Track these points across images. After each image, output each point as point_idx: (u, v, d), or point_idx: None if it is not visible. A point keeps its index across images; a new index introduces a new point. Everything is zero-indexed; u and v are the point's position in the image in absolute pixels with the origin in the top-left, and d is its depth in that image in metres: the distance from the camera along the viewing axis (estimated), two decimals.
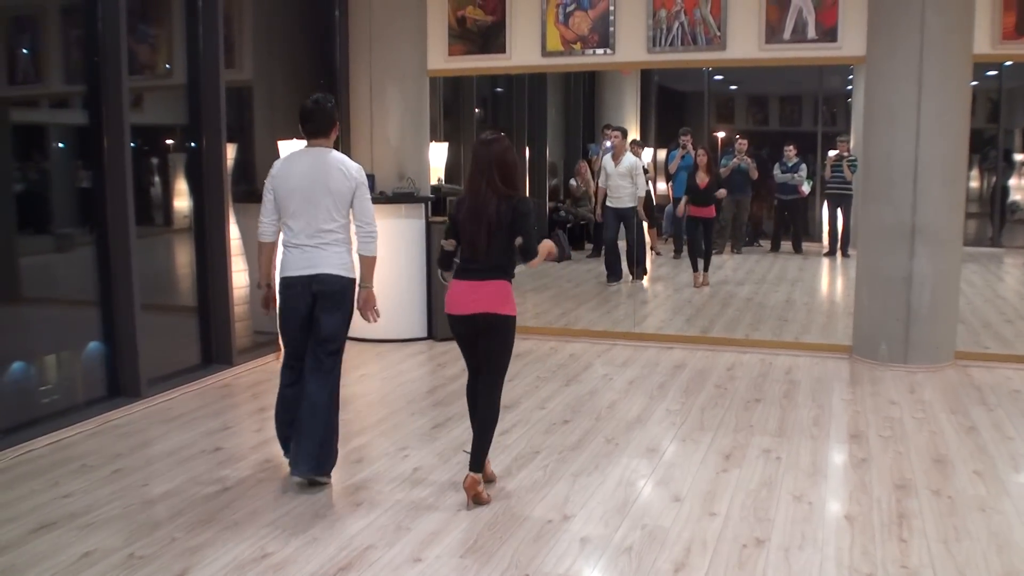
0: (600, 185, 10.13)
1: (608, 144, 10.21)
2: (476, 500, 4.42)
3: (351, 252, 4.76)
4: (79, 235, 6.24)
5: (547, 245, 4.50)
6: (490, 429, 4.47)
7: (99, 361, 6.12)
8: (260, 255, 4.87)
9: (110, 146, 5.93)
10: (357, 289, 4.79)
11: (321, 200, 4.61)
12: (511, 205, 4.34)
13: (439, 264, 4.68)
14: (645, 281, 10.67)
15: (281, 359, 4.96)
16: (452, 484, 4.68)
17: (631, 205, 9.85)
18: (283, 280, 4.71)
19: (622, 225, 9.99)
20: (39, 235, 6.09)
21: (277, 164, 4.79)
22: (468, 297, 4.38)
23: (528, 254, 4.40)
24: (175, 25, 6.80)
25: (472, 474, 4.42)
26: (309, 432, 4.61)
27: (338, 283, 4.66)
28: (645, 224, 10.16)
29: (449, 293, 4.46)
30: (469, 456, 4.48)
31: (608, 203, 10.02)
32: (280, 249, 4.80)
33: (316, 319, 4.68)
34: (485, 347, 4.46)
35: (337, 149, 4.81)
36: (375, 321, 4.92)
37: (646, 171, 10.38)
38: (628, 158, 9.81)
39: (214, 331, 6.99)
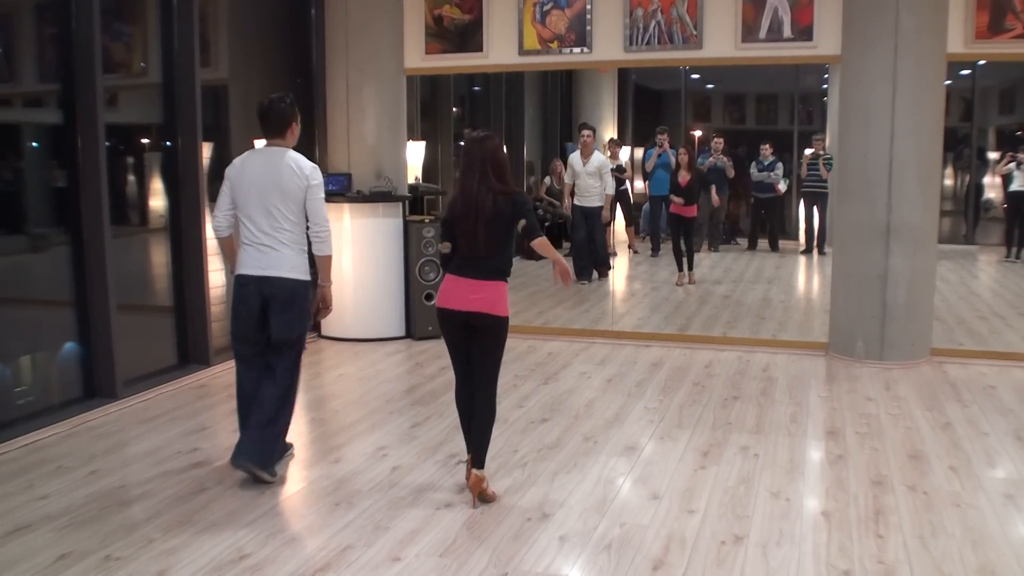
0: (567, 182, 10.13)
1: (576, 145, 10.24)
2: (482, 498, 4.41)
3: (305, 252, 4.78)
4: (54, 235, 6.18)
5: (557, 255, 4.42)
6: (488, 427, 4.47)
7: (74, 362, 6.08)
8: (221, 250, 4.94)
9: (84, 145, 5.89)
10: (316, 289, 4.84)
11: (274, 200, 4.64)
12: (508, 200, 4.32)
13: (443, 266, 4.59)
14: (621, 281, 10.69)
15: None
16: (431, 483, 4.67)
17: (599, 204, 9.88)
18: (237, 278, 4.76)
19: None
20: (13, 235, 6.02)
21: (236, 161, 4.83)
22: (462, 293, 4.37)
23: (532, 233, 4.33)
24: (150, 23, 6.76)
25: (476, 472, 4.40)
26: (253, 428, 4.66)
27: (288, 286, 4.68)
28: (619, 223, 10.19)
29: (443, 287, 4.45)
30: (468, 458, 4.47)
31: (576, 202, 10.00)
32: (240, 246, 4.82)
33: (269, 322, 4.72)
34: (479, 347, 4.45)
35: (298, 149, 4.84)
36: (325, 316, 5.00)
37: (623, 170, 10.40)
38: (596, 157, 9.77)
39: (191, 331, 6.95)
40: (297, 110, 4.85)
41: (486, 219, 4.30)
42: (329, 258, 4.85)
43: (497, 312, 4.37)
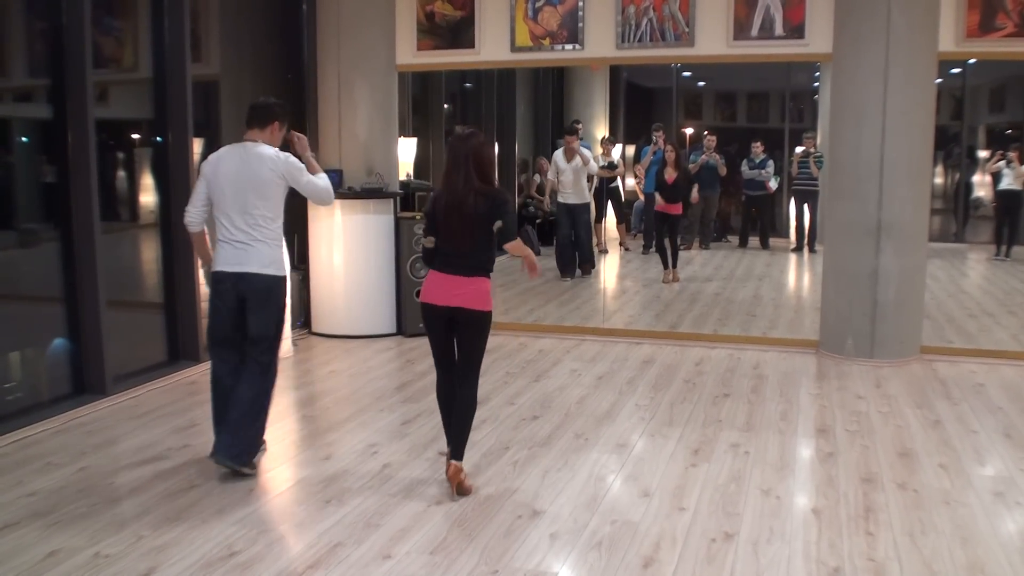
0: (549, 179, 10.15)
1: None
2: (459, 490, 4.45)
3: (281, 248, 4.84)
4: (43, 230, 6.16)
5: (527, 251, 4.52)
6: (469, 418, 4.53)
7: (64, 358, 6.05)
8: (193, 245, 5.03)
9: (74, 141, 5.87)
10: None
11: (249, 198, 4.68)
12: (489, 199, 4.37)
13: (424, 262, 4.65)
14: (612, 278, 10.70)
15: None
16: (421, 481, 4.67)
17: (584, 201, 9.88)
18: (213, 275, 4.79)
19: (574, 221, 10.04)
20: (2, 231, 5.99)
21: (211, 156, 4.86)
22: (446, 290, 4.43)
23: (507, 235, 4.41)
24: (141, 18, 6.73)
25: (455, 462, 4.45)
26: (232, 425, 4.69)
27: (264, 282, 4.72)
28: (610, 220, 10.19)
29: (426, 282, 4.51)
30: (448, 451, 4.52)
31: (560, 199, 10.03)
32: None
33: (246, 319, 4.75)
34: (461, 340, 4.52)
35: (289, 147, 4.92)
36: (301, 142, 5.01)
37: (615, 167, 10.39)
38: (582, 155, 9.82)
39: (181, 327, 6.94)
40: (287, 115, 4.92)
41: (468, 217, 4.36)
42: (326, 183, 4.91)
43: (480, 307, 4.43)
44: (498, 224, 4.38)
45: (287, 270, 4.91)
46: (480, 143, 4.46)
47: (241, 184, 4.67)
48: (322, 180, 4.89)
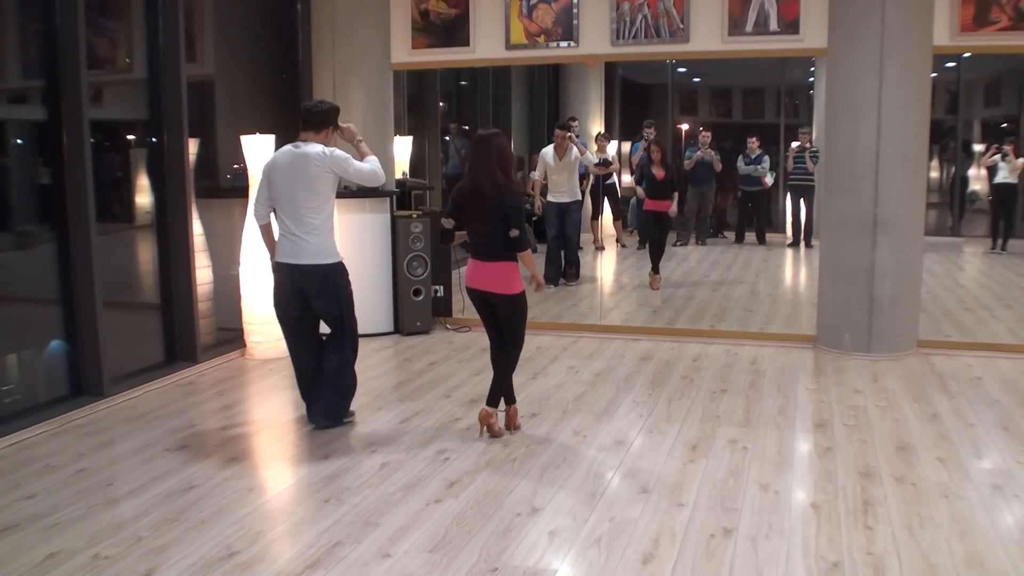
0: (536, 178, 9.94)
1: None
2: (490, 431, 5.25)
3: (332, 237, 5.39)
4: (39, 232, 6.15)
5: (535, 268, 5.27)
6: (508, 374, 5.29)
7: (61, 360, 6.05)
8: (261, 236, 5.58)
9: (69, 142, 5.86)
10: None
11: (299, 196, 5.23)
12: (504, 199, 4.98)
13: (440, 240, 5.40)
14: (609, 275, 10.69)
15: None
16: (420, 479, 4.67)
17: (575, 199, 9.75)
18: (274, 264, 5.42)
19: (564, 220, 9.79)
20: None
21: (271, 157, 5.47)
22: (479, 275, 5.14)
23: (519, 245, 5.04)
24: (135, 19, 6.72)
25: (487, 407, 5.23)
26: (325, 391, 5.47)
27: (319, 271, 5.30)
28: (607, 217, 10.08)
29: (467, 268, 5.22)
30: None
31: (550, 198, 9.80)
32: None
33: (310, 304, 5.38)
34: (501, 319, 5.23)
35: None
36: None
37: (610, 163, 10.36)
38: (572, 152, 9.66)
39: (178, 328, 6.93)
40: (338, 118, 5.44)
41: (488, 208, 5.01)
42: (371, 166, 5.45)
43: (508, 291, 5.12)
44: (514, 232, 4.99)
45: (339, 257, 5.42)
46: (503, 142, 5.08)
47: (293, 185, 5.22)
48: (368, 164, 5.42)
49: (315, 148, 5.23)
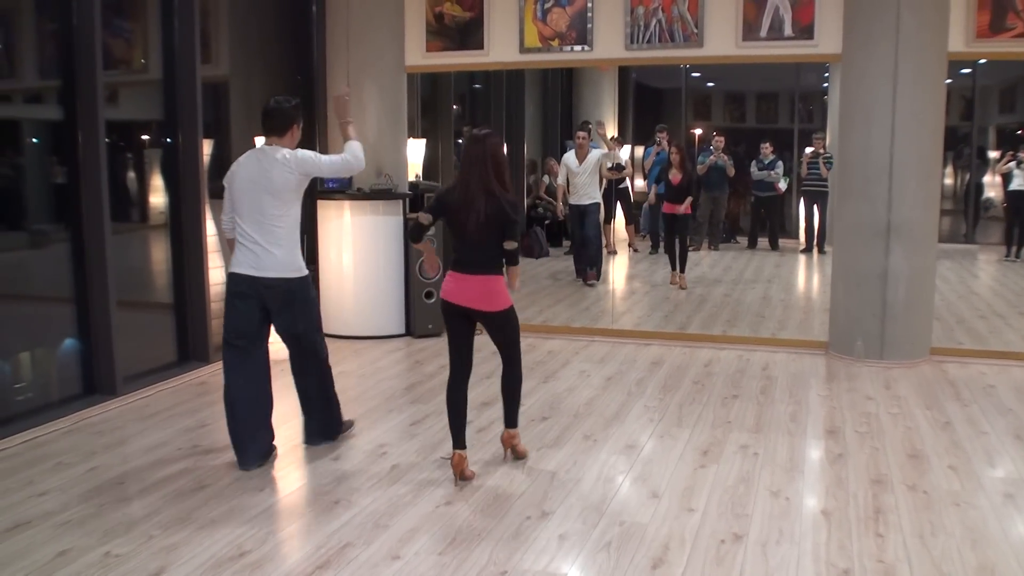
0: (559, 182, 10.08)
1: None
2: (515, 453, 4.94)
3: (297, 249, 4.93)
4: (54, 231, 6.18)
5: (517, 282, 4.82)
6: (517, 392, 4.86)
7: (74, 358, 6.08)
8: (228, 249, 5.11)
9: (85, 142, 5.89)
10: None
11: (263, 202, 4.78)
12: (500, 205, 4.49)
13: (410, 234, 4.93)
14: (621, 279, 10.68)
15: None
16: (431, 481, 4.67)
17: (596, 201, 9.83)
18: (230, 275, 4.92)
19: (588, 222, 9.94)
20: (13, 231, 6.02)
21: (234, 164, 4.95)
22: (461, 289, 4.60)
23: (515, 259, 4.63)
24: (151, 20, 6.75)
25: (508, 430, 4.89)
26: (316, 413, 5.27)
27: (283, 286, 4.85)
28: (619, 221, 10.10)
29: (446, 281, 4.68)
30: (452, 455, 4.68)
31: (571, 201, 9.93)
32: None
33: (270, 319, 4.95)
34: (492, 336, 4.77)
35: (300, 147, 4.97)
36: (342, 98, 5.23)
37: (623, 167, 10.36)
38: (593, 155, 9.75)
39: (191, 328, 6.96)
40: (301, 113, 4.96)
41: (477, 218, 4.49)
42: (348, 154, 5.01)
43: (495, 308, 4.63)
44: (509, 245, 4.55)
45: (305, 270, 4.98)
46: (496, 144, 4.58)
47: (257, 190, 4.77)
48: (340, 155, 4.97)
49: (280, 151, 4.79)
